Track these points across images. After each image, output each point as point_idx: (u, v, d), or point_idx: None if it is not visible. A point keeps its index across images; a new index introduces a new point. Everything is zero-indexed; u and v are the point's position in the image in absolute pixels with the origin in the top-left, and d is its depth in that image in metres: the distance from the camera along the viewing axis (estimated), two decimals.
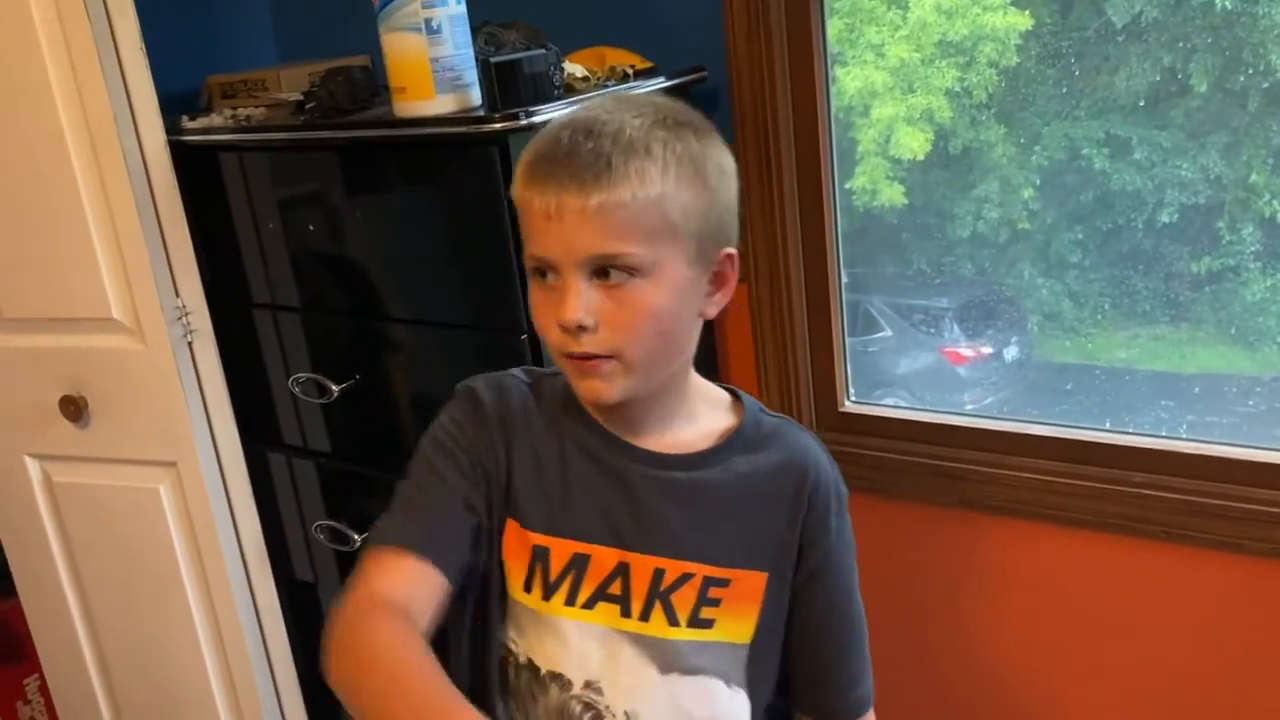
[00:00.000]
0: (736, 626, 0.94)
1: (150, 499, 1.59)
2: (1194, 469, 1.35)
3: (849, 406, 1.64)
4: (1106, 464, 1.41)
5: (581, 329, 0.84)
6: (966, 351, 2.73)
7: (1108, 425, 1.47)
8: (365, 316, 1.50)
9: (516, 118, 1.26)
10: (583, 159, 0.82)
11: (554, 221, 0.83)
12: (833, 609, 0.98)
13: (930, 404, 2.49)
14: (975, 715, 1.62)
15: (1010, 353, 2.65)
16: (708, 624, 0.93)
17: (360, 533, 1.60)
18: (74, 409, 1.57)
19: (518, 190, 0.87)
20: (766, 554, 0.95)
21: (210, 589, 1.62)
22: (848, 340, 1.63)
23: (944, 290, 2.71)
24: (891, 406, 1.71)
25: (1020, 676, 1.56)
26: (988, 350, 2.67)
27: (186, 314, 1.51)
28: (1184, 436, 1.40)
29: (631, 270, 0.84)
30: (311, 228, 1.50)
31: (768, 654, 0.97)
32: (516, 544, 0.94)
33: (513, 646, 0.96)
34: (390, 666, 0.81)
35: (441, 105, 1.33)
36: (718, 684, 0.94)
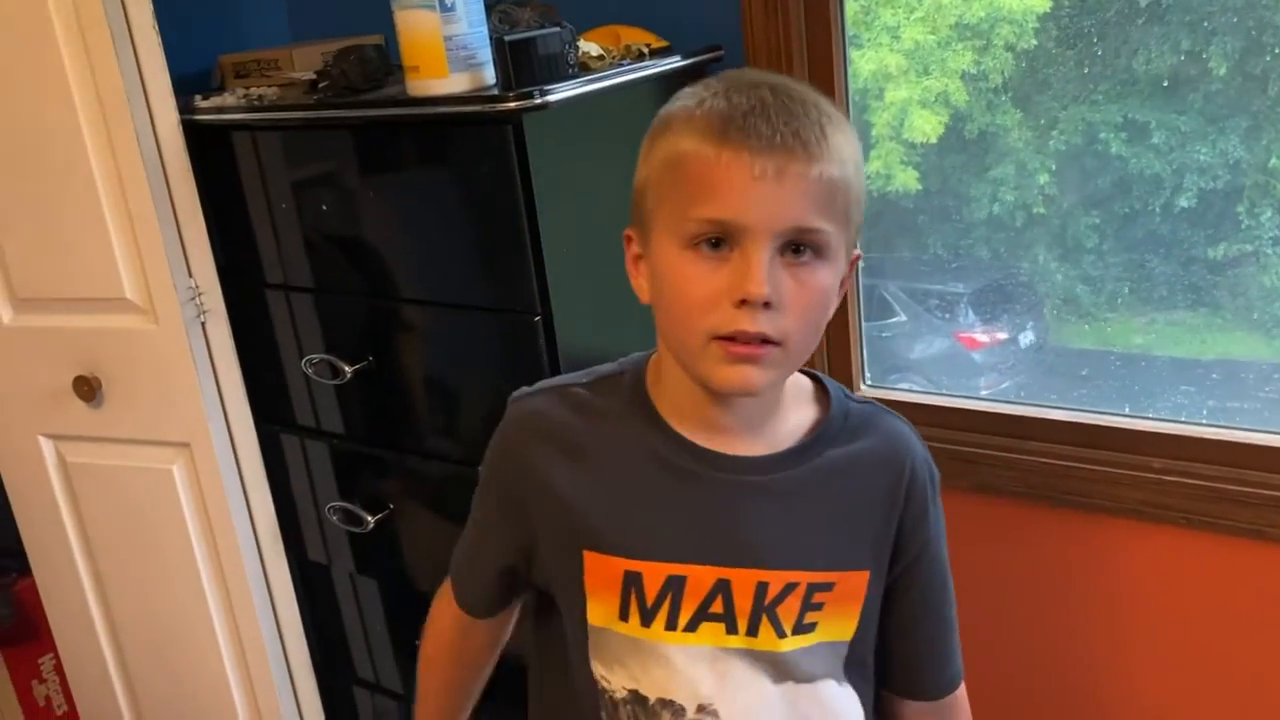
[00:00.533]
0: (838, 626, 0.90)
1: (164, 479, 1.59)
2: (1214, 455, 1.34)
3: (864, 391, 1.63)
4: (1125, 449, 1.39)
5: (764, 305, 0.77)
6: (982, 337, 2.71)
7: (1126, 410, 1.45)
8: (379, 297, 1.49)
9: (531, 96, 1.25)
10: (800, 123, 0.77)
11: (761, 184, 0.76)
12: (929, 597, 0.95)
13: (946, 389, 2.48)
14: (988, 700, 1.61)
15: (1026, 338, 2.64)
16: (810, 628, 0.89)
17: (373, 514, 1.60)
18: (87, 389, 1.57)
19: (694, 145, 0.78)
20: (866, 551, 0.90)
21: (224, 569, 1.62)
22: (863, 325, 1.61)
23: (959, 275, 2.69)
24: (907, 391, 1.70)
25: (1036, 661, 1.56)
26: (1003, 335, 2.65)
27: (200, 294, 1.51)
28: (1204, 422, 1.38)
29: (818, 250, 0.79)
30: (324, 208, 1.49)
31: (866, 646, 0.93)
32: (602, 573, 0.89)
33: (604, 683, 0.91)
34: (422, 671, 1.10)
35: (455, 84, 1.31)
36: (830, 685, 0.91)
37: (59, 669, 1.99)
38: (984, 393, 2.53)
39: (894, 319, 2.72)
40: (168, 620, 1.70)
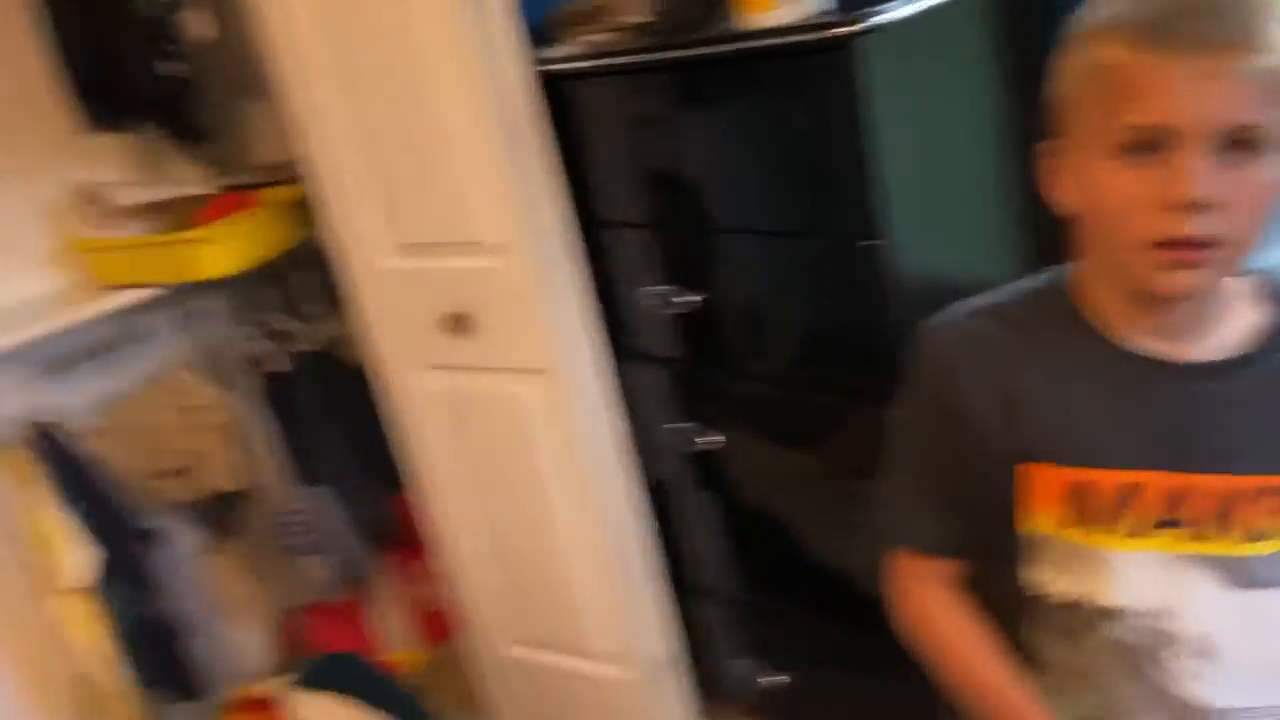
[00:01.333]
0: None
1: (524, 404, 1.74)
2: None
3: None
4: None
5: (1200, 208, 0.77)
6: None
7: None
8: (717, 232, 1.55)
9: (864, 19, 1.25)
10: (1232, 17, 0.76)
11: (1193, 84, 0.75)
12: None
13: None
14: None
15: None
16: (1270, 535, 0.87)
17: (711, 434, 1.68)
18: (458, 324, 1.73)
19: (1120, 51, 0.78)
20: None
21: (581, 487, 1.75)
22: None
23: None
24: None
25: None
26: None
27: (553, 235, 1.62)
28: None
29: (1257, 145, 0.78)
30: (662, 147, 1.56)
31: None
32: (1048, 483, 0.90)
33: (1041, 589, 0.93)
34: (957, 653, 1.00)
35: (786, 14, 1.33)
36: None
37: (437, 578, 2.19)
38: None
39: None
40: (530, 528, 1.85)
